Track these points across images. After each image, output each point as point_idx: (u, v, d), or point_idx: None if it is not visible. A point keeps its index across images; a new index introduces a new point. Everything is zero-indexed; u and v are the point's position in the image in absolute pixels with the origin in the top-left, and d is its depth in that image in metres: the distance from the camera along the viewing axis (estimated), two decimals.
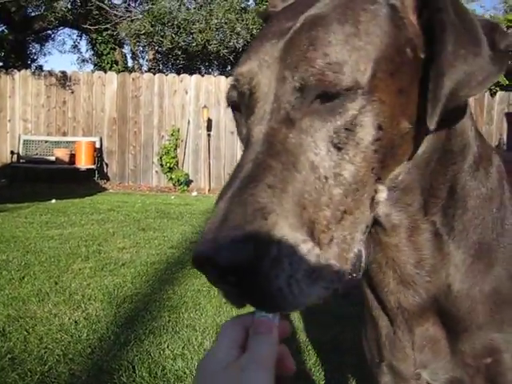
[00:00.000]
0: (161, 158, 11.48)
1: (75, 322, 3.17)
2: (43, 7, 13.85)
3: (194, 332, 3.06)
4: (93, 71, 13.48)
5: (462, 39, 0.72)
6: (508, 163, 1.11)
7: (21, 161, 11.27)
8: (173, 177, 11.36)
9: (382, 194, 0.78)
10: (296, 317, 3.27)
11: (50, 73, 11.90)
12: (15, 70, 11.93)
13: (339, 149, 0.70)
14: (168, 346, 2.85)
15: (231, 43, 14.33)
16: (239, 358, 0.62)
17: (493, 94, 11.83)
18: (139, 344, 2.86)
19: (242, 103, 0.77)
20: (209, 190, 11.20)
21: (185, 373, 2.56)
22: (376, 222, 0.85)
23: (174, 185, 11.40)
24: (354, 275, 0.72)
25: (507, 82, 12.44)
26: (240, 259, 0.60)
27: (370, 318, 1.09)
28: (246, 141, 0.72)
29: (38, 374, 2.48)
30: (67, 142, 11.59)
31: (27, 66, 14.13)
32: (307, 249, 0.65)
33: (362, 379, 2.49)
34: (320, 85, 0.69)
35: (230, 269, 0.60)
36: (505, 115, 11.70)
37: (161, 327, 3.11)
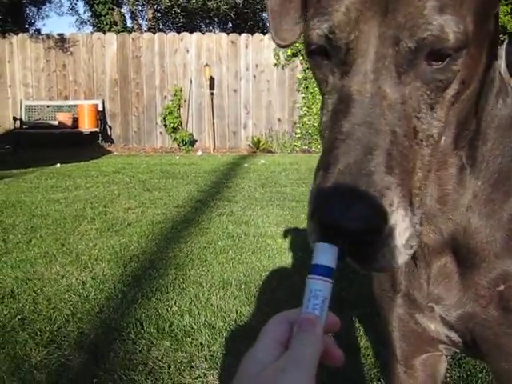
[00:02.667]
0: (164, 118, 11.41)
1: (82, 282, 3.19)
2: None
3: (200, 288, 3.08)
4: (92, 33, 13.27)
5: None
6: None
7: (24, 126, 11.22)
8: (177, 137, 11.30)
9: (444, 139, 0.80)
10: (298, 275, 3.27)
11: (48, 36, 11.73)
12: (12, 34, 11.76)
13: (432, 108, 0.70)
14: (175, 303, 2.86)
15: None
16: (279, 359, 0.59)
17: (500, 43, 11.59)
18: (146, 302, 2.87)
19: (334, 55, 0.72)
20: (213, 149, 11.16)
21: (192, 327, 2.58)
22: None
23: (178, 145, 11.35)
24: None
25: None
26: (371, 227, 0.63)
27: None
28: (345, 99, 0.69)
29: (47, 333, 2.51)
30: (69, 105, 11.49)
31: (25, 30, 13.94)
32: (410, 219, 0.67)
33: (369, 331, 2.50)
34: (435, 44, 0.66)
35: (359, 234, 0.63)
36: None
37: (167, 284, 3.12)
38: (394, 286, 1.08)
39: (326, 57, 0.73)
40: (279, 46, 0.93)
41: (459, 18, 0.66)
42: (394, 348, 1.19)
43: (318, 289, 0.64)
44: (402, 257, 0.67)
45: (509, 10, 12.01)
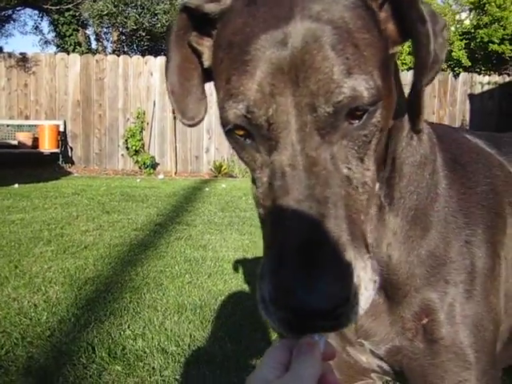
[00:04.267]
0: (126, 140, 11.34)
1: (35, 305, 3.13)
2: None
3: (155, 312, 3.06)
4: (55, 53, 13.16)
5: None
6: None
7: None
8: (139, 160, 11.24)
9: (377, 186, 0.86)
10: None
11: (10, 54, 11.59)
12: None
13: (362, 161, 0.73)
14: (129, 327, 2.84)
15: None
16: (281, 378, 0.64)
17: (456, 76, 11.99)
18: (99, 325, 2.84)
19: (256, 133, 0.72)
20: (175, 173, 11.13)
21: (145, 352, 2.56)
22: None
23: (140, 168, 11.29)
24: None
25: (470, 64, 12.62)
26: (341, 302, 0.64)
27: None
28: (278, 174, 0.70)
29: None
30: (30, 125, 11.32)
31: None
32: (370, 267, 0.69)
33: None
34: (351, 104, 0.69)
35: (332, 312, 0.63)
36: (467, 96, 11.92)
37: (122, 308, 3.09)
38: None
39: (248, 136, 0.74)
40: (189, 126, 0.93)
41: (367, 75, 0.69)
42: None
43: None
44: (370, 298, 0.69)
45: (463, 45, 12.49)
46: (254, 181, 0.77)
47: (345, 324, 0.66)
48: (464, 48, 12.66)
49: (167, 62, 0.89)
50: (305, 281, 0.62)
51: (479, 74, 12.38)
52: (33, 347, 2.58)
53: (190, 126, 0.93)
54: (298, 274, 0.62)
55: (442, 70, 12.50)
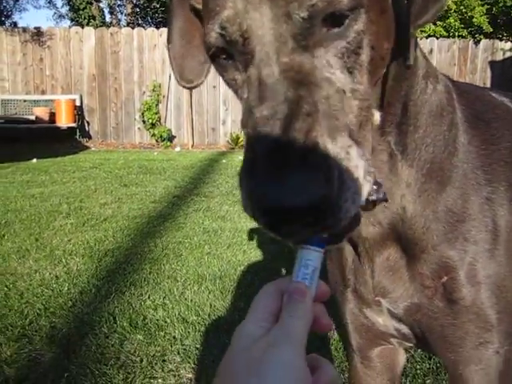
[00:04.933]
0: (143, 114, 11.32)
1: (56, 276, 3.16)
2: None
3: (175, 282, 3.07)
4: (70, 27, 13.12)
5: None
6: None
7: (0, 121, 11.05)
8: (155, 133, 11.23)
9: (377, 117, 0.83)
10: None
11: (25, 29, 11.56)
12: None
13: (350, 72, 0.69)
14: (149, 297, 2.86)
15: None
16: (269, 332, 0.59)
17: (476, 43, 11.72)
18: (120, 296, 2.86)
19: (234, 51, 0.70)
20: (192, 146, 11.12)
21: (165, 321, 2.58)
22: None
23: (156, 141, 11.29)
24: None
25: (491, 30, 12.34)
26: (317, 197, 0.57)
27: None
28: (254, 86, 0.67)
29: (18, 328, 2.49)
30: (46, 100, 11.33)
31: (1, 23, 13.73)
32: (356, 152, 0.63)
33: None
34: (328, 8, 0.65)
35: (309, 209, 0.57)
36: (488, 64, 11.67)
37: (142, 279, 3.11)
38: (343, 281, 1.10)
39: (228, 57, 0.72)
40: (185, 87, 0.93)
41: None
42: (349, 340, 1.21)
43: (309, 258, 0.63)
44: (365, 189, 0.64)
45: (484, 11, 12.18)
46: (242, 108, 0.74)
47: (332, 223, 0.60)
48: (485, 14, 12.33)
49: (169, 25, 0.89)
50: (275, 180, 0.57)
51: (501, 40, 12.08)
52: (55, 317, 2.62)
53: (188, 88, 0.92)
54: (269, 174, 0.58)
55: (463, 37, 12.24)
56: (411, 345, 1.16)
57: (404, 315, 1.03)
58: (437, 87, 0.96)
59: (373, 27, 0.69)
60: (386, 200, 0.71)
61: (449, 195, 0.95)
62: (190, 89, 0.93)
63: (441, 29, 12.47)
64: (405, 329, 1.06)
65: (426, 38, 11.45)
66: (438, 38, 11.66)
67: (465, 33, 12.47)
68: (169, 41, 0.91)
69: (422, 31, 11.67)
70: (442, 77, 0.99)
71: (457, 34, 12.41)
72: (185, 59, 0.90)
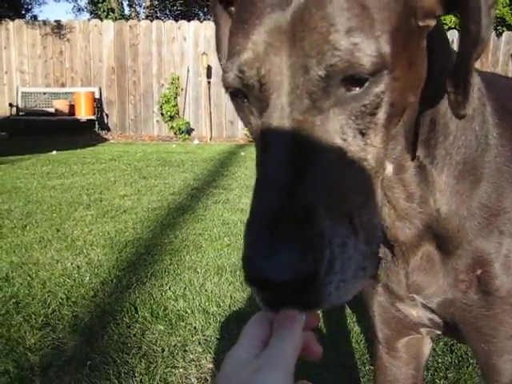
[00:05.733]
0: (161, 106, 11.37)
1: (77, 266, 3.19)
2: None
3: (195, 274, 3.09)
4: (89, 20, 13.18)
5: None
6: None
7: (20, 113, 11.16)
8: (174, 125, 11.28)
9: (389, 169, 0.83)
10: None
11: (45, 22, 11.65)
12: (8, 20, 11.67)
13: (363, 134, 0.66)
14: (170, 288, 2.88)
15: None
16: (258, 357, 0.60)
17: (499, 35, 11.55)
18: (141, 286, 2.88)
19: (249, 94, 0.68)
20: (210, 138, 11.14)
21: (186, 312, 2.59)
22: None
23: (175, 133, 11.33)
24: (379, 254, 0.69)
25: None
26: (302, 274, 0.57)
27: None
28: (264, 135, 0.66)
29: (41, 317, 2.52)
30: (66, 93, 11.44)
31: (21, 16, 13.85)
32: (353, 245, 0.62)
33: (361, 316, 2.52)
34: (348, 70, 0.62)
35: (292, 284, 0.58)
36: (511, 56, 11.50)
37: (162, 270, 3.13)
38: (375, 277, 1.09)
39: (246, 98, 0.70)
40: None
41: (370, 39, 0.62)
42: (376, 332, 1.21)
43: None
44: (354, 286, 0.63)
45: (508, 2, 11.98)
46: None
47: (314, 303, 0.60)
48: (509, 5, 12.15)
49: (216, 33, 0.89)
50: (265, 251, 0.57)
51: None
52: (77, 307, 2.64)
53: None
54: (260, 244, 0.58)
55: None
56: (439, 332, 1.15)
57: (437, 309, 1.03)
58: (472, 95, 0.92)
59: (397, 84, 0.66)
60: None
61: (483, 191, 0.95)
62: None
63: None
64: (437, 318, 1.07)
65: (448, 29, 11.32)
66: (459, 30, 11.51)
67: None
68: (218, 50, 0.89)
69: (443, 23, 11.53)
70: (475, 76, 0.95)
71: None
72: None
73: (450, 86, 0.74)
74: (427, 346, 1.27)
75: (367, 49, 0.61)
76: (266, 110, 0.66)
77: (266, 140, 0.65)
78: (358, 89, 0.64)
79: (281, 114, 0.64)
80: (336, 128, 0.64)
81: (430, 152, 0.90)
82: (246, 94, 0.69)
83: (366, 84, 0.63)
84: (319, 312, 0.69)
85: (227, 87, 0.71)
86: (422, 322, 1.10)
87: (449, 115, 0.89)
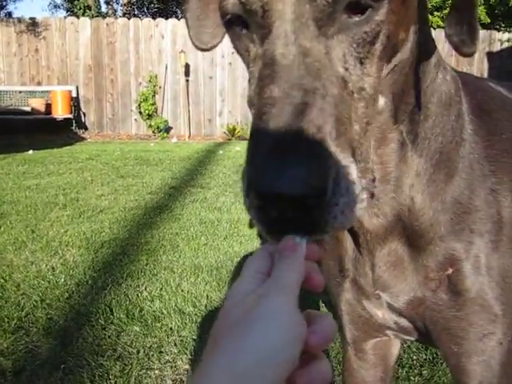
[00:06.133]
0: (139, 105, 11.28)
1: (52, 268, 3.16)
2: None
3: (171, 274, 3.07)
4: (65, 17, 13.02)
5: None
6: None
7: None
8: (152, 124, 11.20)
9: (381, 102, 0.79)
10: None
11: (20, 20, 11.48)
12: None
13: (362, 63, 0.68)
14: (146, 288, 2.86)
15: None
16: (261, 285, 0.59)
17: None
18: (117, 287, 2.86)
19: (251, 21, 0.69)
20: (189, 137, 11.09)
21: (162, 313, 2.58)
22: None
23: (153, 132, 11.25)
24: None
25: (489, 20, 12.31)
26: (314, 189, 0.57)
27: (333, 238, 1.08)
28: (267, 63, 0.66)
29: (15, 320, 2.48)
30: (42, 91, 11.29)
31: None
32: (355, 171, 0.63)
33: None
34: None
35: (302, 200, 0.57)
36: (486, 54, 11.64)
37: (138, 270, 3.11)
38: (341, 272, 1.09)
39: (244, 26, 0.71)
40: (200, 49, 0.92)
41: None
42: (344, 332, 1.20)
43: None
44: (355, 213, 0.63)
45: (482, 1, 12.13)
46: (249, 80, 0.73)
47: (320, 223, 0.60)
48: (483, 4, 12.30)
49: None
50: (275, 164, 0.57)
51: (498, 31, 12.06)
52: (52, 309, 2.61)
53: (203, 50, 0.91)
54: (269, 158, 0.58)
55: None
56: (409, 338, 1.15)
57: (405, 309, 1.02)
58: (446, 77, 0.95)
59: (393, 17, 0.69)
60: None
61: (456, 186, 0.95)
62: (205, 51, 0.91)
63: (438, 19, 12.44)
64: (405, 322, 1.06)
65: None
66: (435, 29, 11.61)
67: None
68: (185, 1, 0.88)
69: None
70: (448, 67, 0.99)
71: None
72: (201, 21, 0.88)
73: (452, 25, 0.76)
74: (396, 348, 1.27)
75: None
76: (269, 37, 0.66)
77: (270, 67, 0.65)
78: (359, 16, 0.66)
79: (285, 41, 0.65)
80: (339, 56, 0.66)
81: (413, 129, 0.90)
82: (247, 21, 0.70)
83: (367, 12, 0.66)
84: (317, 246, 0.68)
85: (225, 14, 0.71)
86: (387, 325, 1.10)
87: (428, 93, 0.91)
